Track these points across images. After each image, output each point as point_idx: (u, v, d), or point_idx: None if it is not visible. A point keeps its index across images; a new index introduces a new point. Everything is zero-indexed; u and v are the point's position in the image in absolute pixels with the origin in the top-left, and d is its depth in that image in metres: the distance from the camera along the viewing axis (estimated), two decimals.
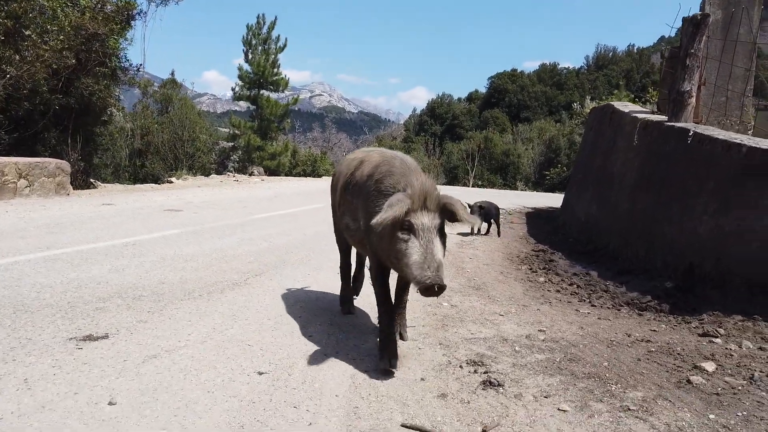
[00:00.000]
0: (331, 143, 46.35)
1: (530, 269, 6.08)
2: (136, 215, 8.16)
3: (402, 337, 3.07)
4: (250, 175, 23.37)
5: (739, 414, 2.16)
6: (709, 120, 6.98)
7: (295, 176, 25.60)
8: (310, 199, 12.21)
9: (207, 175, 21.57)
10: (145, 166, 20.73)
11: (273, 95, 26.88)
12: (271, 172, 25.12)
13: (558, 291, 5.05)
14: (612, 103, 10.37)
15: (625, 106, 9.39)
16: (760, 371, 2.62)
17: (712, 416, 2.14)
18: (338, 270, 3.73)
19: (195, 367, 2.47)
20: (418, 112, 76.58)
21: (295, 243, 6.25)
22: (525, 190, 30.46)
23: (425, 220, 2.35)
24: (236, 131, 26.45)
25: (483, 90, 76.74)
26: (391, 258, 2.46)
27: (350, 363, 2.66)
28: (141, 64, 14.63)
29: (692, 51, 6.32)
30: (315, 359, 2.67)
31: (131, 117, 22.27)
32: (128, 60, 14.30)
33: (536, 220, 10.88)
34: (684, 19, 6.54)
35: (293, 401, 2.17)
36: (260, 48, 26.07)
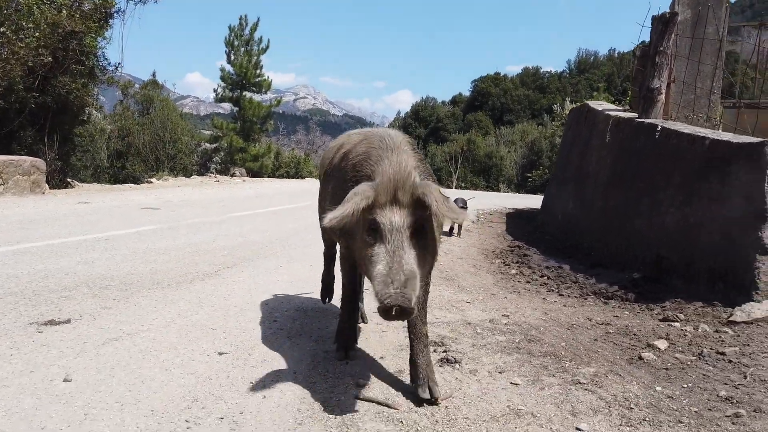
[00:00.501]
0: (316, 146, 46.25)
1: (504, 263, 6.15)
2: (112, 213, 8.11)
3: (363, 319, 3.02)
4: (231, 176, 23.26)
5: (684, 386, 2.23)
6: (678, 116, 7.13)
7: (278, 178, 25.53)
8: (291, 199, 12.22)
9: (188, 176, 21.43)
10: (125, 167, 20.54)
11: (256, 97, 26.85)
12: (254, 173, 25.03)
13: (528, 282, 5.13)
14: (588, 102, 10.53)
15: (599, 105, 9.53)
16: (710, 348, 2.70)
17: (658, 388, 2.21)
18: (311, 264, 3.71)
19: (155, 348, 2.48)
20: (402, 115, 76.87)
21: (271, 239, 6.26)
22: (507, 192, 30.71)
23: (394, 218, 1.83)
24: (218, 133, 26.34)
25: (467, 93, 77.28)
26: (361, 263, 2.01)
27: (313, 344, 2.69)
28: (119, 63, 14.52)
29: (661, 49, 6.45)
30: (277, 341, 2.69)
31: (111, 118, 22.07)
32: (106, 59, 14.20)
33: (516, 219, 10.98)
34: (653, 18, 6.68)
35: (250, 378, 2.19)
36: (243, 49, 26.01)
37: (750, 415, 1.94)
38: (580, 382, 2.25)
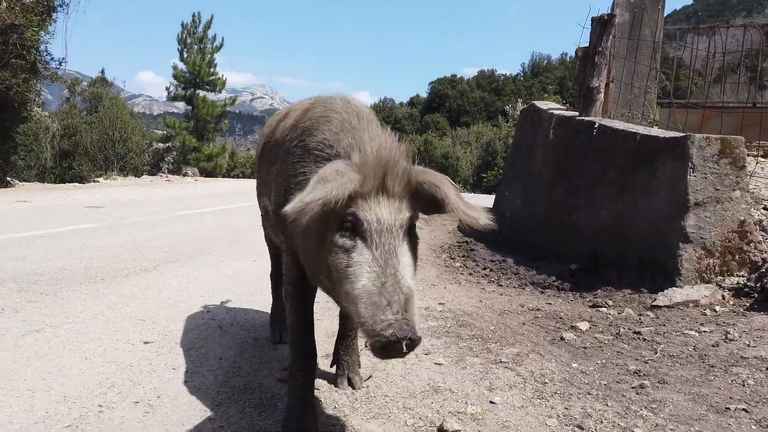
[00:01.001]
0: None
1: (450, 257, 6.26)
2: (52, 211, 7.83)
3: (352, 384, 2.07)
4: (183, 175, 22.76)
5: (598, 362, 2.34)
6: (616, 115, 7.41)
7: (233, 178, 25.15)
8: (245, 198, 12.04)
9: (138, 176, 20.86)
10: (72, 167, 19.81)
11: (210, 95, 26.36)
12: (208, 173, 24.58)
13: (471, 274, 5.23)
14: (535, 102, 10.80)
15: (545, 104, 9.80)
16: (628, 329, 2.84)
17: (574, 365, 2.31)
18: (254, 258, 3.62)
19: (78, 339, 2.43)
20: None
21: (218, 236, 6.17)
22: (464, 192, 31.23)
23: (383, 213, 1.36)
24: (171, 132, 25.74)
25: (424, 95, 77.96)
26: (320, 275, 1.48)
27: (244, 332, 2.68)
28: (63, 58, 14.04)
29: (600, 49, 6.68)
30: (207, 330, 2.68)
31: (57, 116, 21.25)
32: (50, 54, 13.68)
33: None
34: (593, 20, 6.92)
35: (174, 365, 2.17)
36: (196, 47, 25.50)
37: (653, 385, 2.05)
38: (501, 362, 2.33)
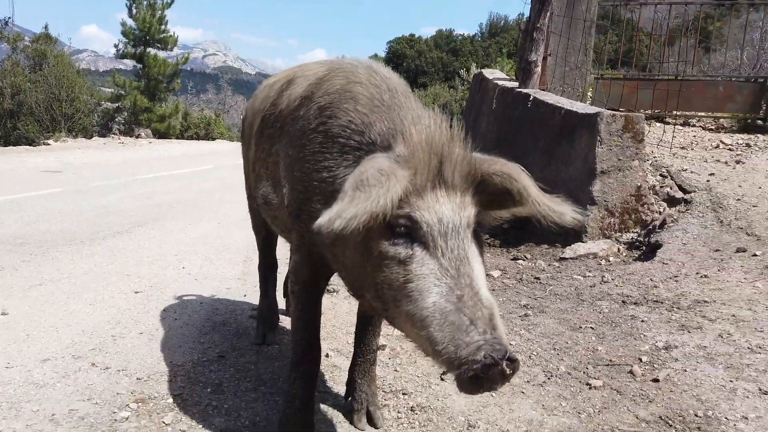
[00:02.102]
0: (227, 105, 44.83)
1: None
2: (11, 176, 7.98)
3: (373, 421, 1.72)
4: (136, 137, 22.45)
5: (500, 299, 3.01)
6: (553, 88, 8.06)
7: (187, 139, 24.89)
8: (200, 161, 12.28)
9: (89, 137, 20.47)
10: (17, 128, 19.26)
11: (161, 53, 25.69)
12: (161, 135, 24.23)
13: None
14: (482, 71, 11.35)
15: (492, 73, 10.38)
16: (530, 275, 3.53)
17: None
18: (218, 222, 4.08)
19: (78, 290, 2.92)
20: None
21: (179, 200, 6.56)
22: None
23: (445, 210, 1.16)
24: (121, 91, 25.07)
25: (382, 54, 77.36)
26: (366, 294, 1.28)
27: (217, 283, 3.22)
28: (10, 17, 13.61)
29: (538, 25, 7.26)
30: (186, 282, 3.20)
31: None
32: None
33: None
34: None
35: (164, 308, 2.71)
36: (145, 3, 24.70)
37: (535, 314, 2.73)
38: None
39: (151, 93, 25.08)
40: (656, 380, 1.94)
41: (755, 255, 3.42)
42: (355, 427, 1.70)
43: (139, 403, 1.74)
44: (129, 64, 28.26)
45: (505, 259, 4.39)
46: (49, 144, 16.89)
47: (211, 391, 1.85)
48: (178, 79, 27.22)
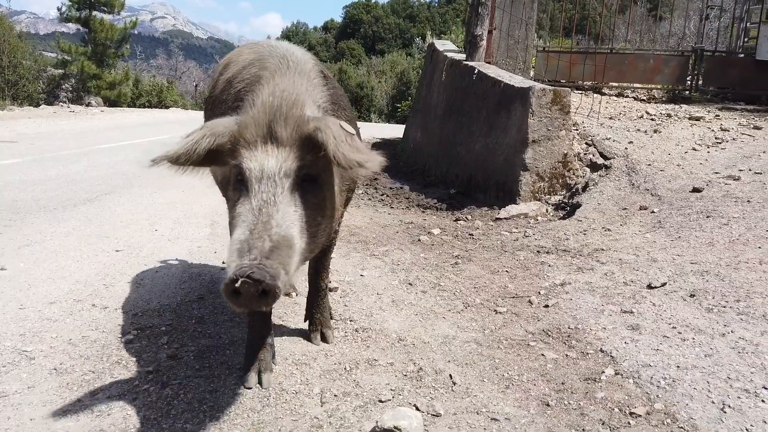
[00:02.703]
0: (179, 72, 43.55)
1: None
2: None
3: (325, 338, 2.19)
4: (87, 105, 21.87)
5: (437, 252, 3.53)
6: (498, 61, 8.55)
7: (138, 107, 24.39)
8: (157, 130, 12.32)
9: (36, 105, 19.88)
10: None
11: (107, 17, 24.84)
12: (111, 102, 23.64)
13: (369, 199, 6.34)
14: (434, 42, 11.73)
15: (443, 45, 10.78)
16: (465, 232, 4.07)
17: (422, 255, 3.49)
18: (182, 190, 4.36)
19: (63, 250, 3.27)
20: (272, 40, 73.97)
21: (141, 169, 6.80)
22: (379, 122, 32.07)
23: (268, 161, 1.38)
24: (66, 57, 24.21)
25: (339, 19, 76.12)
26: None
27: (188, 243, 3.62)
28: None
29: (483, 1, 7.69)
30: (160, 243, 3.59)
31: None
32: None
33: (381, 147, 12.14)
34: None
35: (144, 263, 3.11)
36: None
37: (463, 262, 3.27)
38: (374, 255, 3.46)
39: (98, 59, 24.31)
40: (546, 306, 2.49)
41: (653, 212, 4.05)
42: (311, 343, 2.18)
43: (139, 331, 2.17)
44: (72, 27, 27.18)
45: (448, 220, 4.92)
46: None
47: (195, 322, 2.30)
48: (127, 45, 26.40)
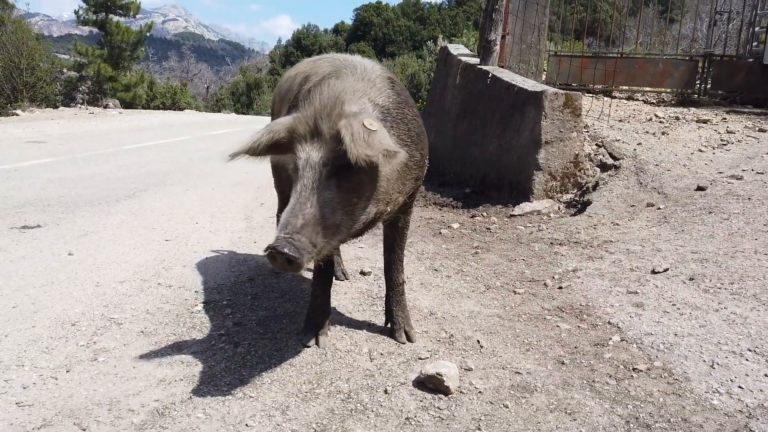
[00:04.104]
0: (191, 74, 44.16)
1: None
2: None
3: (409, 337, 2.27)
4: (105, 107, 22.40)
5: (457, 244, 3.83)
6: (511, 65, 8.84)
7: (153, 109, 24.91)
8: (177, 132, 12.72)
9: (55, 107, 20.39)
10: None
11: (123, 20, 25.38)
12: (127, 104, 24.16)
13: None
14: (447, 46, 12.03)
15: (456, 48, 11.08)
16: (483, 227, 4.37)
17: (443, 246, 3.79)
18: (212, 188, 4.70)
19: (118, 239, 3.61)
20: (283, 42, 74.65)
21: (171, 169, 7.16)
22: None
23: (312, 152, 1.64)
24: (83, 59, 24.76)
25: (349, 22, 76.60)
26: None
27: (230, 234, 3.94)
28: None
29: (497, 7, 7.99)
30: (203, 234, 3.91)
31: None
32: None
33: None
34: None
35: (194, 251, 3.43)
36: None
37: (483, 252, 3.56)
38: None
39: (114, 61, 24.85)
40: (560, 288, 2.78)
41: (659, 208, 4.33)
42: (397, 341, 2.24)
43: (203, 304, 2.49)
44: (85, 30, 27.71)
45: (465, 217, 5.21)
46: (18, 114, 16.91)
47: (251, 298, 2.62)
48: (142, 47, 26.95)
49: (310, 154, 1.63)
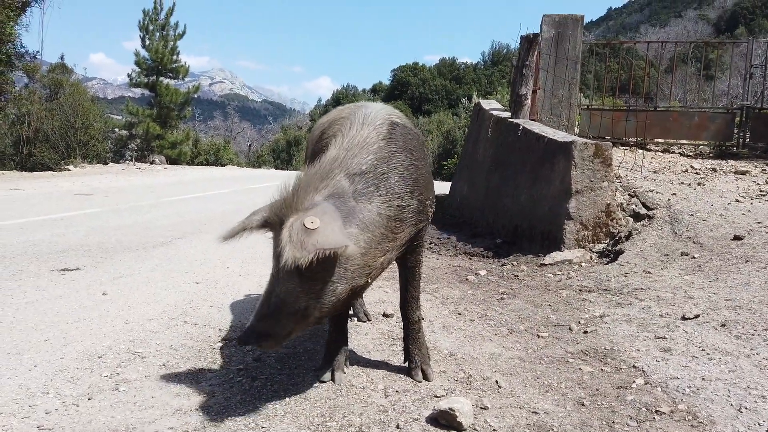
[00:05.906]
0: (234, 132, 45.99)
1: None
2: (49, 198, 8.85)
3: (426, 376, 2.25)
4: (151, 163, 23.44)
5: (484, 289, 3.79)
6: (542, 118, 8.94)
7: (197, 165, 25.93)
8: (216, 185, 13.19)
9: (105, 163, 21.47)
10: (33, 154, 20.25)
11: (172, 83, 26.88)
12: (172, 161, 25.23)
13: None
14: (480, 101, 12.29)
15: (489, 104, 11.31)
16: (510, 274, 4.32)
17: (469, 291, 3.76)
18: (245, 237, 4.86)
19: (151, 281, 3.72)
20: (323, 102, 77.26)
21: (207, 218, 7.40)
22: None
23: (278, 243, 1.77)
24: (134, 119, 26.19)
25: (387, 82, 79.03)
26: None
27: (258, 278, 4.02)
28: (38, 52, 14.72)
29: (527, 63, 8.19)
30: (232, 278, 4.00)
31: (16, 103, 21.53)
32: (24, 47, 14.37)
33: None
34: (521, 38, 8.42)
35: (222, 293, 3.51)
36: (158, 34, 25.92)
37: (509, 298, 3.51)
38: (425, 291, 3.75)
39: (162, 121, 26.17)
40: (585, 332, 2.71)
41: (693, 257, 4.21)
42: (414, 380, 2.23)
43: (225, 341, 2.54)
44: (137, 91, 29.41)
45: (494, 265, 5.18)
46: (69, 170, 17.88)
47: None
48: (188, 107, 28.37)
49: (276, 244, 1.76)
